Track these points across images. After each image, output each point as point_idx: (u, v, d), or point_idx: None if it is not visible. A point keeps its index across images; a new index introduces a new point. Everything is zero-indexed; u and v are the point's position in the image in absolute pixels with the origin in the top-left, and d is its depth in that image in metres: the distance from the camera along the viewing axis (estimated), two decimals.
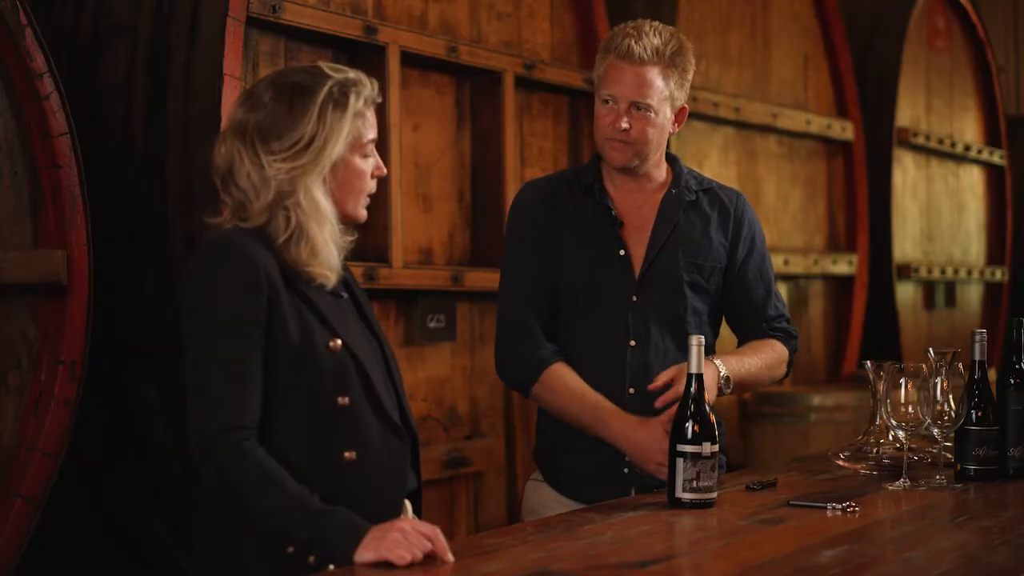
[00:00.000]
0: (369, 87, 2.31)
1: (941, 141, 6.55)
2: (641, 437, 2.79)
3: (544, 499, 2.99)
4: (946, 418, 2.76)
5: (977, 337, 2.93)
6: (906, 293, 6.26)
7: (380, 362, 2.37)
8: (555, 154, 4.35)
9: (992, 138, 7.16)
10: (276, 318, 2.19)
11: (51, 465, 2.94)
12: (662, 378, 2.76)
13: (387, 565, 2.01)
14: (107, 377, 3.30)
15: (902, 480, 2.79)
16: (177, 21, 3.22)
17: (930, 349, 2.81)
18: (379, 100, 2.34)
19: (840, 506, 2.53)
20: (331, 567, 2.07)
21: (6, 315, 2.92)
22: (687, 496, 2.51)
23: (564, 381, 2.88)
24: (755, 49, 5.37)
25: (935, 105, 6.64)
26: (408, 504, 2.39)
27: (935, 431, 2.78)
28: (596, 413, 2.85)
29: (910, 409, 2.74)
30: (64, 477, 3.01)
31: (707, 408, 2.52)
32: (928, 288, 6.48)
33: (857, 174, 5.90)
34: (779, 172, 5.54)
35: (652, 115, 2.86)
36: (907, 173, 6.35)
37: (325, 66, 2.31)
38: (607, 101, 2.88)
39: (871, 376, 2.84)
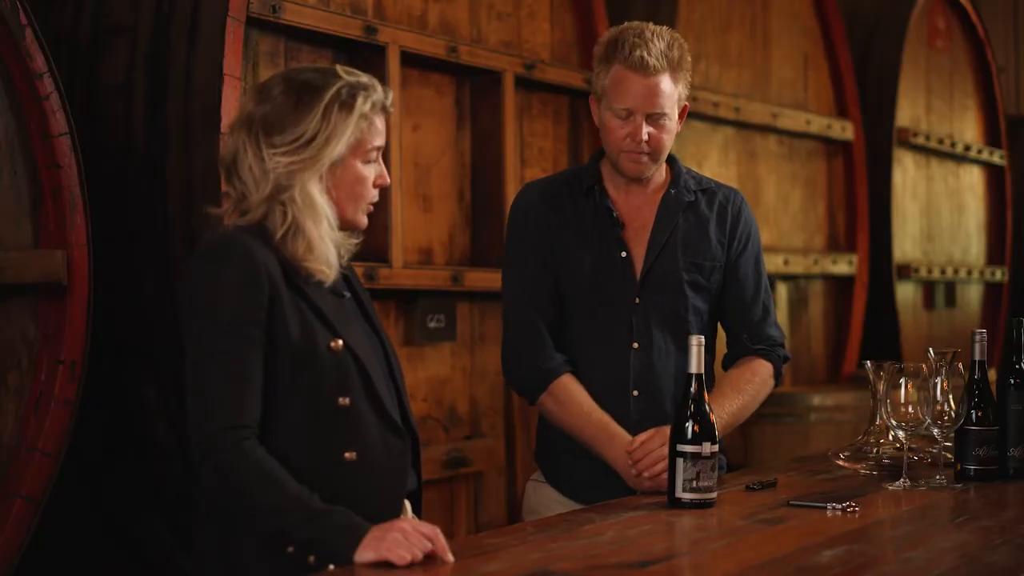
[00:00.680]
0: (380, 93, 2.32)
1: (941, 141, 6.55)
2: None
3: (545, 499, 2.99)
4: (946, 418, 2.76)
5: (977, 337, 2.93)
6: (906, 293, 6.26)
7: (382, 362, 2.37)
8: (555, 154, 4.35)
9: (992, 138, 7.16)
10: (277, 318, 2.19)
11: (51, 465, 2.93)
12: (640, 439, 2.76)
13: (387, 565, 2.01)
14: (107, 377, 3.30)
15: (902, 480, 2.79)
16: (177, 21, 3.22)
17: (930, 349, 2.81)
18: (391, 110, 2.35)
19: (840, 506, 2.53)
20: (331, 567, 2.07)
21: (6, 315, 2.92)
22: (687, 496, 2.51)
23: (572, 395, 2.88)
24: (755, 49, 5.37)
25: (935, 105, 6.64)
26: (408, 504, 2.39)
27: (935, 431, 2.78)
28: (597, 433, 2.85)
29: (910, 409, 2.74)
30: (64, 477, 3.00)
31: (707, 408, 2.52)
32: (928, 288, 6.48)
33: (857, 174, 5.90)
34: (779, 172, 5.54)
35: (667, 121, 2.87)
36: (907, 173, 6.35)
37: (340, 69, 2.32)
38: (621, 115, 2.87)
39: (871, 376, 2.84)
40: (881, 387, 2.79)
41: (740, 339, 3.01)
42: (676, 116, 2.90)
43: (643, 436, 2.75)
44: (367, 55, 3.62)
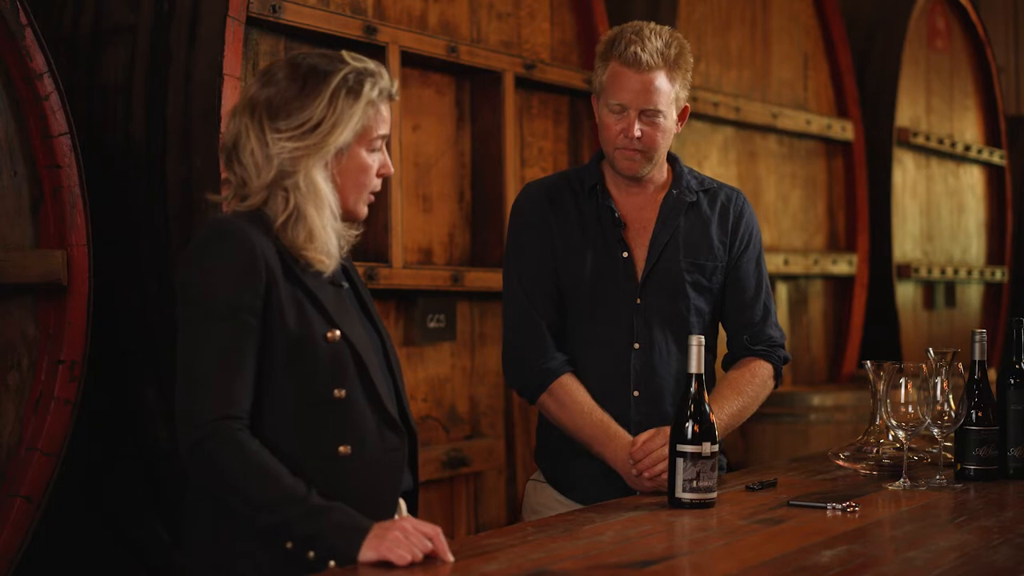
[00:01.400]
0: (387, 80, 2.28)
1: (941, 141, 6.55)
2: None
3: (545, 499, 3.00)
4: (946, 418, 2.76)
5: (977, 337, 2.93)
6: (906, 293, 6.26)
7: (380, 356, 2.33)
8: (555, 154, 4.35)
9: (992, 138, 7.16)
10: (273, 306, 2.16)
11: (51, 465, 2.93)
12: (641, 438, 2.76)
13: (387, 564, 2.01)
14: (107, 377, 3.30)
15: (902, 480, 2.79)
16: (177, 21, 3.22)
17: (930, 349, 2.81)
18: (395, 97, 2.31)
19: (840, 506, 2.53)
20: (332, 564, 2.06)
21: (6, 315, 2.92)
22: (687, 496, 2.51)
23: (572, 395, 2.88)
24: (755, 49, 5.37)
25: (935, 105, 6.64)
26: (403, 503, 2.37)
27: (935, 431, 2.78)
28: (597, 433, 2.85)
29: (910, 409, 2.74)
30: (64, 477, 3.00)
31: (707, 408, 2.52)
32: (928, 288, 6.48)
33: (857, 174, 5.90)
34: (779, 172, 5.54)
35: (662, 119, 2.87)
36: (907, 173, 6.35)
37: (347, 54, 2.28)
38: (615, 110, 2.87)
39: (871, 376, 2.84)
40: (881, 387, 2.79)
41: (740, 339, 3.01)
42: (673, 116, 2.90)
43: (644, 436, 2.75)
44: (367, 55, 3.60)
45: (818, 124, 5.64)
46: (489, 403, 4.09)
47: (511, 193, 3.96)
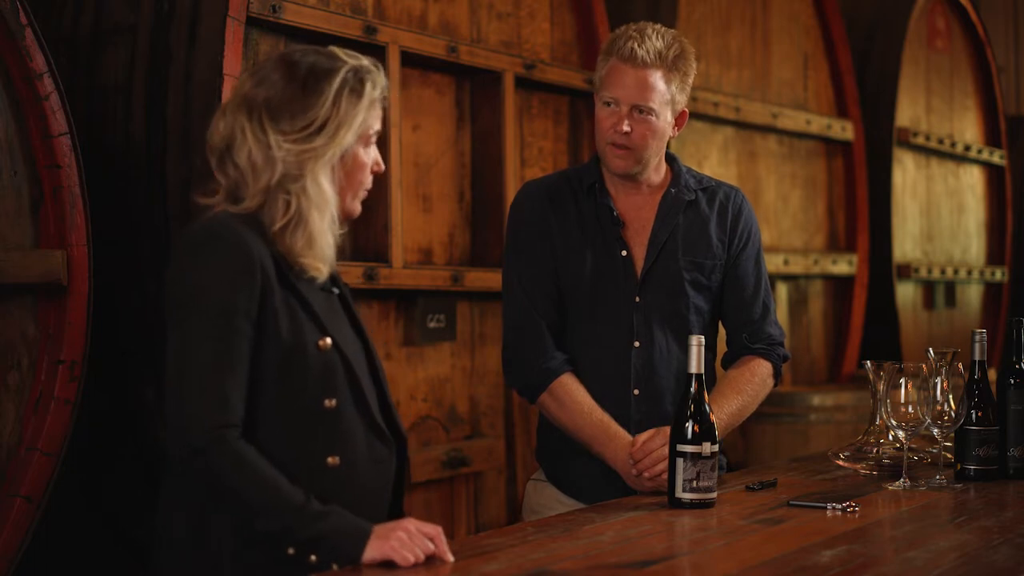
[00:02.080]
0: (384, 77, 2.25)
1: (941, 141, 6.55)
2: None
3: (546, 499, 3.00)
4: (946, 418, 2.76)
5: (977, 337, 2.93)
6: (906, 293, 6.26)
7: (365, 363, 2.27)
8: (555, 154, 4.35)
9: (992, 138, 7.16)
10: (267, 313, 2.10)
11: (51, 465, 2.93)
12: (641, 439, 2.76)
13: (388, 564, 2.01)
14: (107, 377, 3.30)
15: (902, 480, 2.79)
16: (177, 21, 3.22)
17: (930, 349, 2.81)
18: (387, 93, 2.27)
19: (840, 506, 2.53)
20: (334, 567, 2.05)
21: (6, 315, 2.92)
22: (687, 496, 2.51)
23: (572, 395, 2.88)
24: (755, 49, 5.37)
25: (935, 105, 6.64)
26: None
27: (935, 431, 2.78)
28: (597, 433, 2.84)
29: (910, 409, 2.74)
30: (64, 477, 3.00)
31: (707, 408, 2.52)
32: (928, 288, 6.48)
33: (857, 174, 5.90)
34: (779, 172, 5.54)
35: (653, 119, 2.86)
36: (907, 173, 6.36)
37: (339, 51, 2.24)
38: (608, 104, 2.87)
39: (871, 376, 2.84)
40: (881, 387, 2.79)
41: (739, 338, 3.01)
42: (668, 117, 2.89)
43: (644, 436, 2.75)
44: (367, 55, 3.60)
45: (818, 124, 5.65)
46: (489, 403, 4.09)
47: (511, 193, 3.96)
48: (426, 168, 3.91)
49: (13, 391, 2.93)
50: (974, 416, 2.87)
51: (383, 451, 2.24)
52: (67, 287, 2.97)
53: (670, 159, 3.03)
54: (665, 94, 2.86)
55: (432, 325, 3.85)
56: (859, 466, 2.96)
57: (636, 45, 2.82)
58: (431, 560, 2.03)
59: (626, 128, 2.84)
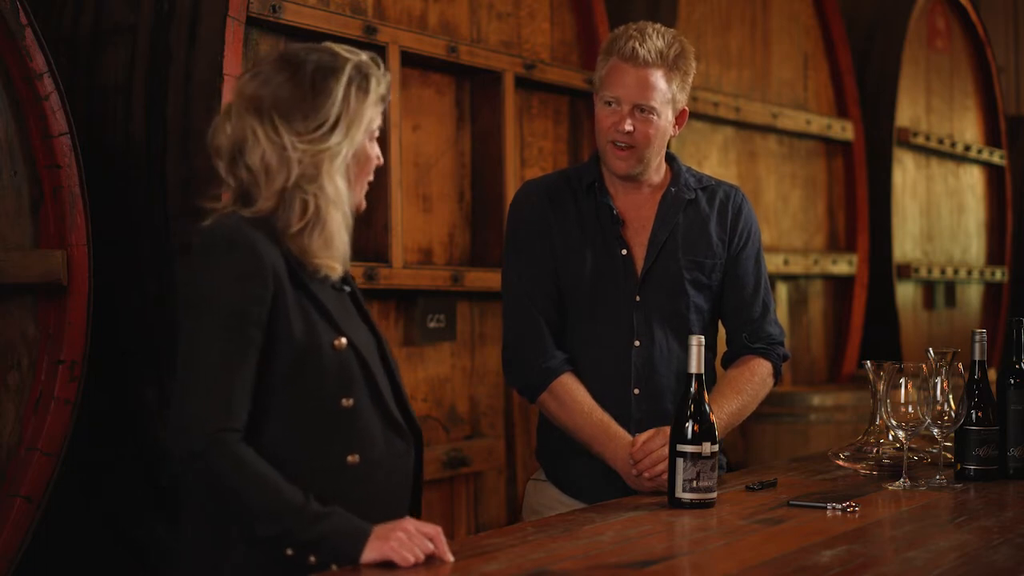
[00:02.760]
0: (385, 72, 2.24)
1: (941, 141, 6.55)
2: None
3: (546, 499, 3.00)
4: (946, 418, 2.76)
5: (977, 337, 2.93)
6: (906, 293, 6.27)
7: (379, 359, 2.28)
8: (555, 154, 4.35)
9: (992, 138, 7.16)
10: (280, 315, 2.10)
11: (51, 465, 2.94)
12: (641, 439, 2.76)
13: (389, 564, 2.01)
14: (107, 377, 3.30)
15: (902, 480, 2.79)
16: (177, 21, 3.22)
17: (930, 349, 2.81)
18: (389, 88, 2.27)
19: (840, 506, 2.53)
20: (334, 567, 2.05)
21: (6, 315, 2.92)
22: (687, 496, 2.51)
23: (572, 394, 2.88)
24: (755, 49, 5.37)
25: (935, 105, 6.64)
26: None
27: (935, 431, 2.78)
28: (597, 433, 2.84)
29: (910, 409, 2.74)
30: (64, 477, 3.00)
31: (707, 408, 2.52)
32: (928, 288, 6.48)
33: (857, 174, 5.90)
34: (779, 172, 5.54)
35: (654, 118, 2.86)
36: (907, 173, 6.36)
37: (337, 47, 2.22)
38: (609, 103, 2.87)
39: (871, 376, 2.84)
40: (881, 387, 2.79)
41: (739, 337, 3.01)
42: (668, 117, 2.89)
43: (644, 436, 2.75)
44: None
45: (818, 124, 5.65)
46: (489, 403, 4.09)
47: (511, 193, 3.95)
48: (426, 168, 3.92)
49: (13, 391, 2.93)
50: (974, 416, 2.87)
51: (401, 445, 2.25)
52: (67, 287, 2.97)
53: (670, 158, 3.04)
54: (666, 93, 2.86)
55: (432, 325, 3.85)
56: (859, 466, 2.96)
57: (637, 44, 2.82)
58: (431, 560, 2.04)
59: (628, 127, 2.85)
